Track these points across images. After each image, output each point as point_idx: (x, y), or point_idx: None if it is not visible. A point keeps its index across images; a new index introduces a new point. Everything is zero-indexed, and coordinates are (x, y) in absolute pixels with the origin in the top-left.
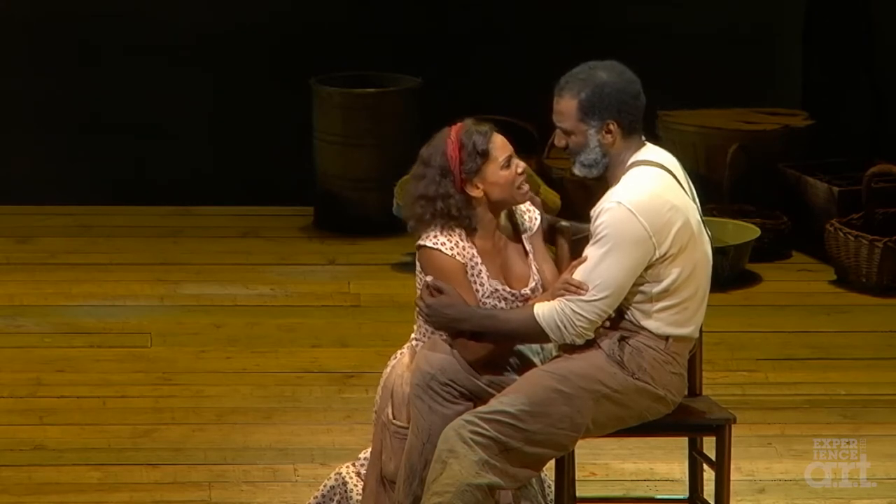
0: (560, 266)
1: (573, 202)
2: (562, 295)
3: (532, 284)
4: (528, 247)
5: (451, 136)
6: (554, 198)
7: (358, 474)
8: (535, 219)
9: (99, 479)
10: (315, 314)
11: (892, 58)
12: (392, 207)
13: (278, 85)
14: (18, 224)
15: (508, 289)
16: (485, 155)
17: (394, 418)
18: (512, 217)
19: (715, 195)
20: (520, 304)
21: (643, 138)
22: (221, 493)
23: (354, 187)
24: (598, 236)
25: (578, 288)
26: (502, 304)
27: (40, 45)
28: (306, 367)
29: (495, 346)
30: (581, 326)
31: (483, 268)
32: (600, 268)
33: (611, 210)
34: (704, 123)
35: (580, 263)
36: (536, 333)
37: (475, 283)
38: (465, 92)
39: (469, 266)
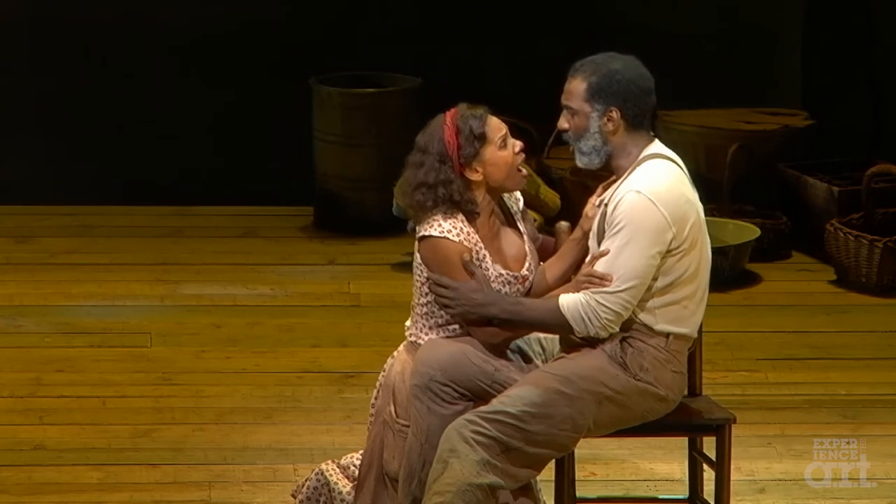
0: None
1: (573, 202)
2: (586, 287)
3: (527, 265)
4: (521, 228)
5: (447, 122)
6: (554, 198)
7: (344, 470)
8: (519, 199)
9: (99, 479)
10: (315, 314)
11: (892, 58)
12: (392, 207)
13: (278, 85)
14: (18, 224)
15: (511, 272)
16: (482, 138)
17: (398, 417)
18: (501, 202)
19: (715, 195)
20: (520, 286)
21: (652, 134)
22: (221, 493)
23: (354, 187)
24: (618, 227)
25: (602, 280)
26: (507, 287)
27: (40, 45)
28: (306, 367)
29: (515, 332)
30: (606, 319)
31: (486, 252)
32: (622, 258)
33: (629, 199)
34: (704, 123)
35: (601, 255)
36: (561, 325)
37: (481, 267)
38: (465, 92)
39: (474, 252)
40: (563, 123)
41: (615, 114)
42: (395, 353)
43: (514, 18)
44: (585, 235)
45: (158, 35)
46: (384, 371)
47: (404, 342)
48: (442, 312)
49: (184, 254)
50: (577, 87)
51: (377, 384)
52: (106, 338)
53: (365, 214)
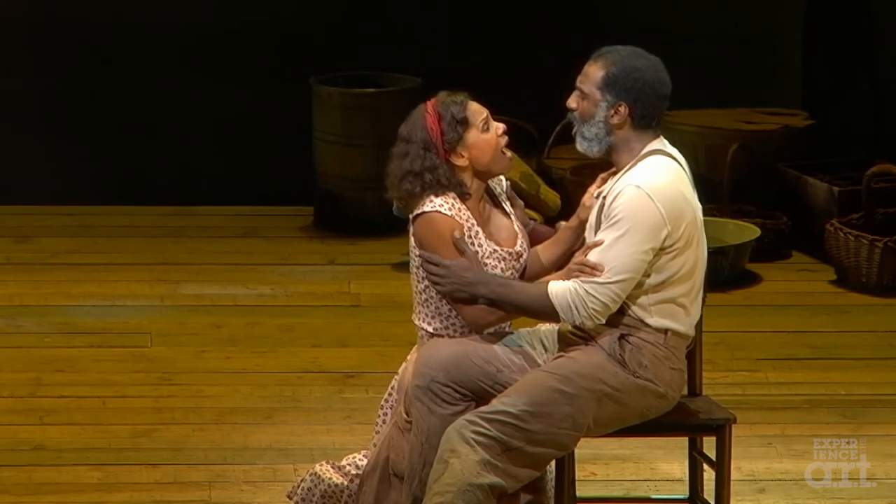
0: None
1: (573, 202)
2: (577, 276)
3: (520, 242)
4: (508, 209)
5: (429, 110)
6: (554, 198)
7: (340, 469)
8: (502, 180)
9: (99, 479)
10: (315, 314)
11: (892, 58)
12: (392, 207)
13: (278, 85)
14: (18, 224)
15: (506, 248)
16: (464, 123)
17: (407, 416)
18: (486, 187)
19: (715, 195)
20: (515, 263)
21: (658, 133)
22: (221, 493)
23: (354, 187)
24: (614, 219)
25: (594, 269)
26: (502, 264)
27: (41, 44)
28: (306, 367)
29: (505, 315)
30: (593, 309)
31: (479, 229)
32: (615, 251)
33: (628, 193)
34: (704, 123)
35: (595, 246)
36: (547, 311)
37: (474, 244)
38: (465, 92)
39: (467, 228)
40: (572, 103)
41: (623, 109)
42: (409, 357)
43: (513, 18)
44: (581, 224)
45: (158, 35)
46: (398, 375)
47: (416, 344)
48: (439, 297)
49: (184, 254)
50: (594, 72)
51: (390, 386)
52: (106, 338)
53: (365, 214)
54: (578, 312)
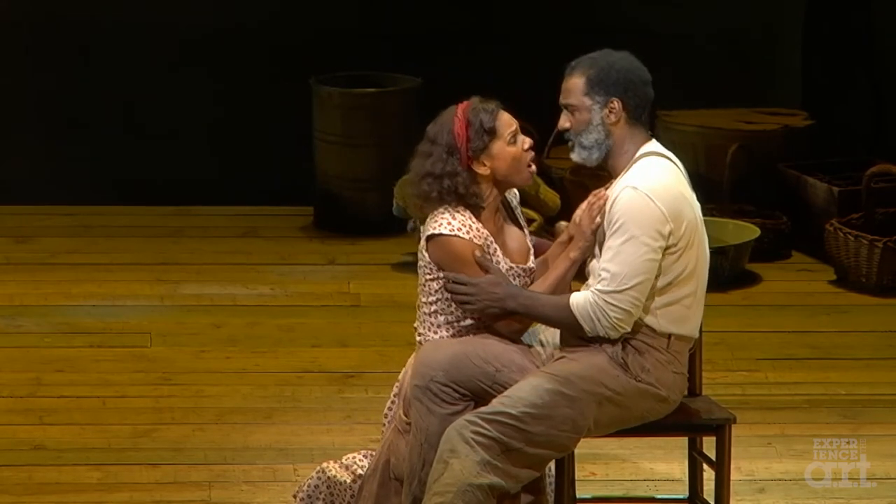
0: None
1: (573, 202)
2: (593, 206)
3: (531, 258)
4: (522, 222)
5: (459, 114)
6: (554, 198)
7: (347, 468)
8: (517, 194)
9: (99, 479)
10: (315, 314)
11: (892, 58)
12: (392, 207)
13: (278, 85)
14: (18, 224)
15: (518, 265)
16: (492, 132)
17: (406, 417)
18: (503, 199)
19: (715, 195)
20: (528, 279)
21: (649, 133)
22: (221, 493)
23: (354, 187)
24: (616, 225)
25: (592, 203)
26: (517, 280)
27: (40, 44)
28: (306, 367)
29: (531, 322)
30: (616, 318)
31: (497, 246)
32: (624, 256)
33: (626, 196)
34: (704, 123)
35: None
36: (571, 323)
37: (493, 262)
38: (465, 92)
39: (485, 246)
40: (564, 122)
41: (616, 104)
42: (410, 361)
43: (514, 18)
44: (571, 239)
45: (158, 35)
46: (399, 381)
47: (416, 350)
48: (451, 310)
49: (184, 254)
50: (575, 83)
51: (393, 394)
52: (106, 338)
53: (365, 214)
54: (601, 323)
